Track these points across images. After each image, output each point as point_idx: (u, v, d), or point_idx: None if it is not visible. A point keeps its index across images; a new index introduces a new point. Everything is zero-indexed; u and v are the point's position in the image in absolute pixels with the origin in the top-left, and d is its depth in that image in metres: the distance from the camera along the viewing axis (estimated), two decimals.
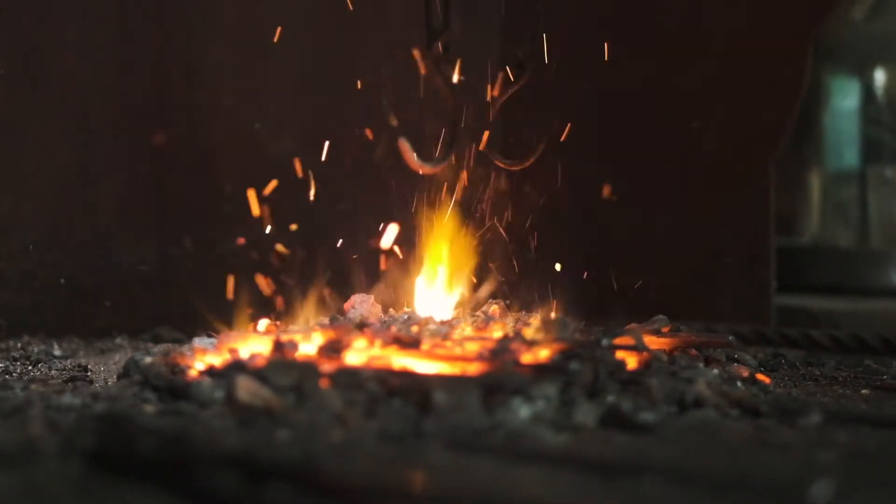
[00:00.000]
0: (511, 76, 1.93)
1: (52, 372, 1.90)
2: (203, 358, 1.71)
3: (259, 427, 1.37)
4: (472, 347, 1.64)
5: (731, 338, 1.79)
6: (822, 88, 2.88)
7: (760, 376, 1.72)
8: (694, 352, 1.83)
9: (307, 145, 2.40)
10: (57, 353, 2.17)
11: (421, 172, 1.71)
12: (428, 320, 1.80)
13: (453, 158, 1.87)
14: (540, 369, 1.53)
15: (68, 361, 2.05)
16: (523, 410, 1.43)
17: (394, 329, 1.68)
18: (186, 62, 2.51)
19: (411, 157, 1.68)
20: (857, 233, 2.82)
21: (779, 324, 2.41)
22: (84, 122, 2.43)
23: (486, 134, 1.93)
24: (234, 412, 1.43)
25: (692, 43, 2.51)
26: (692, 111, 2.47)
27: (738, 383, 1.67)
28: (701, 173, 2.49)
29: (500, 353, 1.58)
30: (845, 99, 2.83)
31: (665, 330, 1.86)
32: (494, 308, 1.90)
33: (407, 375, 1.50)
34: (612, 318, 2.05)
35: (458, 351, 1.62)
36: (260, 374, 1.47)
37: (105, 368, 2.00)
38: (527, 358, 1.59)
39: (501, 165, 1.98)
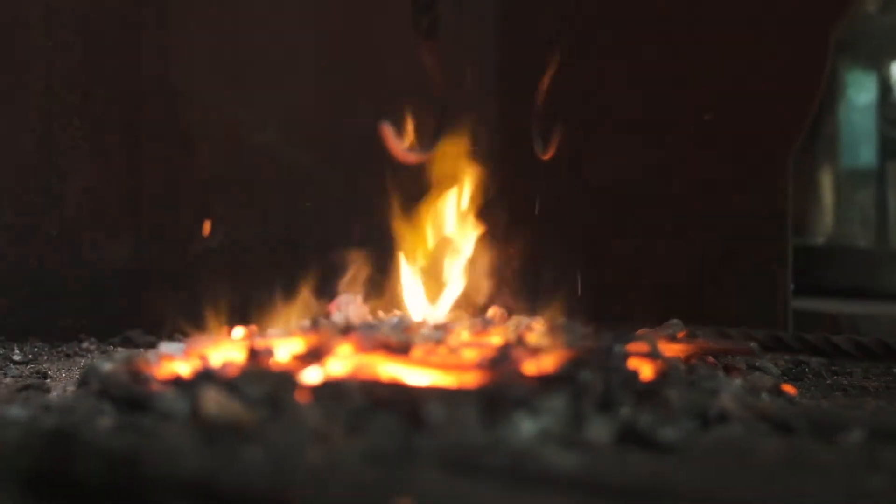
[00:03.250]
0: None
1: (7, 379, 1.75)
2: (169, 365, 1.54)
3: (225, 445, 1.20)
4: (470, 355, 1.48)
5: (753, 345, 1.63)
6: (837, 82, 2.73)
7: (786, 387, 1.56)
8: (711, 359, 1.67)
9: (294, 136, 2.26)
10: (17, 357, 2.01)
11: (406, 162, 1.54)
12: (420, 324, 1.63)
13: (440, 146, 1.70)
14: (545, 379, 1.37)
15: (28, 367, 1.90)
16: (528, 426, 1.27)
17: (382, 333, 1.52)
18: (161, 42, 2.34)
19: (395, 145, 1.51)
20: (875, 232, 2.66)
21: (796, 329, 2.25)
22: (48, 107, 2.26)
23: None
24: (200, 427, 1.26)
25: (705, 32, 2.34)
26: (704, 103, 2.30)
27: (763, 395, 1.51)
28: (713, 168, 2.32)
29: (501, 361, 1.42)
30: (861, 93, 2.67)
31: (680, 335, 1.69)
32: (493, 311, 1.74)
33: (396, 386, 1.34)
34: (619, 323, 1.90)
35: (453, 359, 1.46)
36: (230, 384, 1.31)
37: (67, 375, 1.85)
38: (530, 367, 1.42)
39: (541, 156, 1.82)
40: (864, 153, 2.68)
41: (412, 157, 1.53)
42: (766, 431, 1.35)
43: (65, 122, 2.29)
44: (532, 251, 2.11)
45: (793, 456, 1.23)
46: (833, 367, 1.84)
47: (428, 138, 1.63)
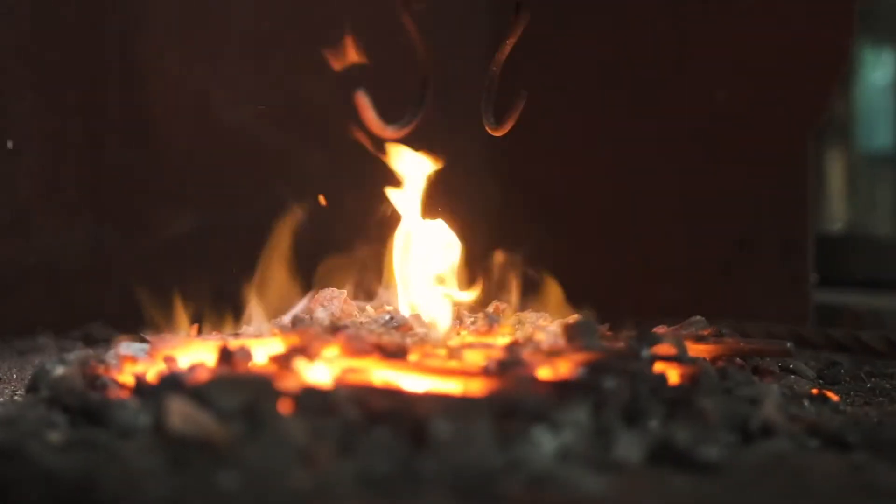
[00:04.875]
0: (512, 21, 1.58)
1: None
2: (131, 369, 1.36)
3: (195, 468, 1.02)
4: (475, 358, 1.30)
5: (789, 345, 1.46)
6: (851, 60, 2.55)
7: (829, 393, 1.39)
8: (739, 361, 1.50)
9: (268, 113, 2.07)
10: None
11: (383, 136, 1.35)
12: (415, 321, 1.45)
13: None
14: (564, 387, 1.19)
15: None
16: (547, 443, 1.09)
17: (374, 333, 1.33)
18: (123, 9, 2.15)
19: (371, 117, 1.32)
20: (894, 220, 2.49)
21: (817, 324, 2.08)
22: None
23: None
24: (165, 445, 1.07)
25: (722, 3, 2.16)
26: (718, 80, 2.12)
27: (806, 402, 1.34)
28: (728, 150, 2.15)
29: (511, 365, 1.24)
30: (877, 72, 2.50)
31: (706, 333, 1.52)
32: (495, 307, 1.56)
33: (394, 395, 1.16)
34: (628, 317, 1.74)
35: (457, 363, 1.28)
36: (200, 392, 1.12)
37: (19, 376, 1.68)
38: (545, 372, 1.25)
39: (490, 131, 1.63)
40: (882, 135, 2.51)
41: (390, 132, 1.34)
42: (816, 447, 1.18)
43: (15, 97, 2.10)
44: (530, 239, 1.94)
45: (856, 477, 1.07)
46: (869, 369, 1.67)
47: (409, 111, 1.44)
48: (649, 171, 2.23)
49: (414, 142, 1.59)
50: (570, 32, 2.31)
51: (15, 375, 1.67)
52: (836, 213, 2.59)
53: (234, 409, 1.11)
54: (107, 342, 1.92)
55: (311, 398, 1.13)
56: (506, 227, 2.12)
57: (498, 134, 1.62)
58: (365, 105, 1.33)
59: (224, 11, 2.24)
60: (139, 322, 1.80)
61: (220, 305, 1.72)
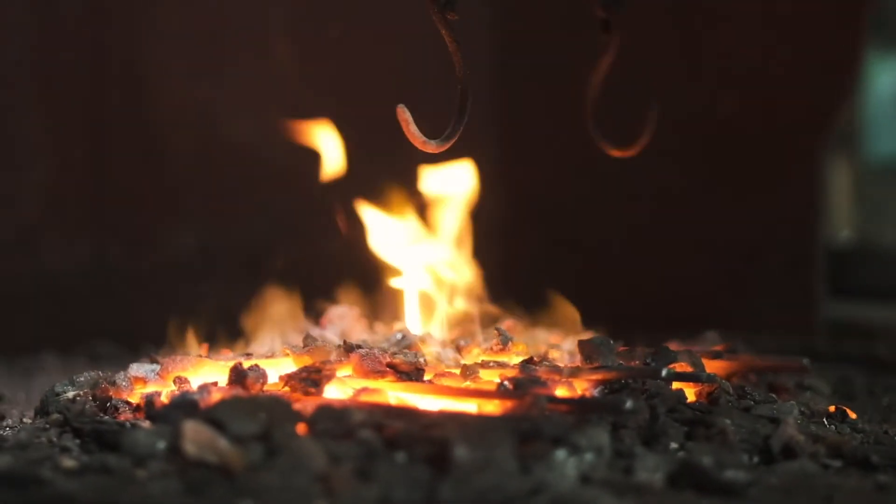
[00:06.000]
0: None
1: None
2: (142, 391, 1.34)
3: (212, 494, 1.01)
4: (490, 377, 1.28)
5: (805, 361, 1.44)
6: None
7: (848, 410, 1.37)
8: (753, 377, 1.49)
9: (272, 127, 2.05)
10: None
11: (425, 150, 1.33)
12: (426, 339, 1.43)
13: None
14: (583, 407, 1.18)
15: None
16: (570, 466, 1.07)
17: (387, 354, 1.31)
18: (127, 24, 2.13)
19: (413, 132, 1.30)
20: None
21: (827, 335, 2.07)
22: (1, 96, 2.06)
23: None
24: (180, 471, 1.06)
25: (728, 11, 2.14)
26: (726, 89, 2.11)
27: (825, 421, 1.32)
28: (737, 161, 2.13)
29: (528, 384, 1.22)
30: (883, 79, 2.48)
31: (720, 349, 1.51)
32: (507, 324, 1.54)
33: (411, 417, 1.14)
34: (644, 331, 1.72)
35: (473, 384, 1.26)
36: (214, 416, 1.10)
37: (26, 397, 1.66)
38: (563, 392, 1.23)
39: (613, 153, 1.61)
40: (888, 144, 2.49)
41: (433, 147, 1.32)
42: (840, 468, 1.16)
43: (19, 112, 2.09)
44: (538, 253, 1.92)
45: (881, 497, 1.06)
46: (884, 385, 1.65)
47: (450, 125, 1.40)
48: (658, 185, 2.21)
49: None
50: (579, 44, 2.30)
51: (23, 396, 1.65)
52: (844, 223, 2.57)
53: (251, 434, 1.09)
54: (112, 360, 1.91)
55: (327, 421, 1.12)
56: (514, 242, 2.10)
57: (628, 154, 1.59)
58: (406, 120, 1.30)
59: (229, 26, 2.22)
60: (144, 339, 1.79)
61: (227, 322, 1.70)
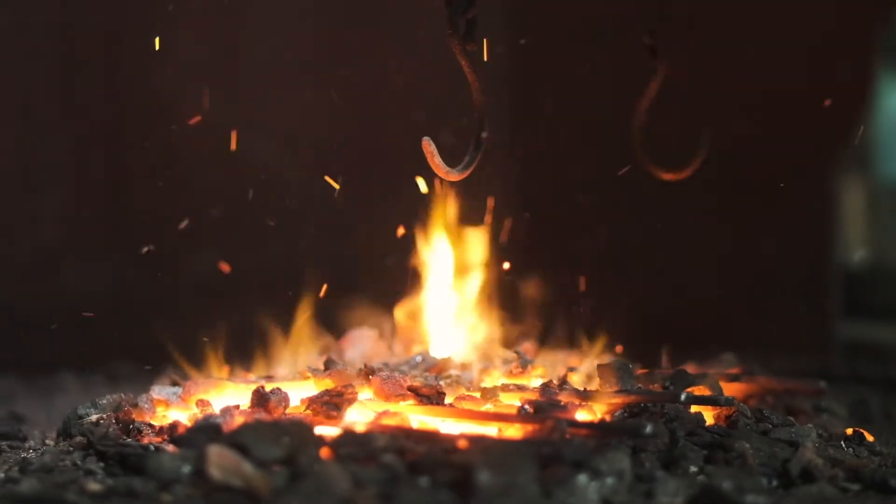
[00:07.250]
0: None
1: None
2: (164, 413, 1.35)
3: None
4: (510, 399, 1.29)
5: (822, 384, 1.45)
6: None
7: (866, 434, 1.38)
8: (770, 399, 1.49)
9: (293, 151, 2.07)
10: None
11: (448, 179, 1.35)
12: (447, 363, 1.44)
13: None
14: (603, 431, 1.19)
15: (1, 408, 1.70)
16: (591, 491, 1.08)
17: (408, 377, 1.32)
18: (146, 50, 2.14)
19: (437, 163, 1.32)
20: None
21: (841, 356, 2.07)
22: (23, 119, 2.10)
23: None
24: (206, 495, 1.07)
25: (743, 35, 2.15)
26: (742, 112, 2.12)
27: (843, 444, 1.32)
28: (751, 181, 2.14)
29: (548, 408, 1.23)
30: (894, 97, 2.49)
31: (736, 372, 1.52)
32: (526, 347, 1.55)
33: (433, 441, 1.15)
34: (660, 351, 1.72)
35: (494, 407, 1.27)
36: (238, 440, 1.11)
37: (47, 417, 1.66)
38: (582, 415, 1.24)
39: (664, 177, 1.62)
40: None
41: (455, 175, 1.34)
42: (859, 492, 1.17)
43: (40, 135, 2.12)
44: (550, 273, 1.93)
45: None
46: None
47: (468, 153, 1.42)
48: (674, 206, 2.21)
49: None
50: (585, 61, 2.31)
51: (43, 416, 1.67)
52: (858, 243, 2.57)
53: (275, 458, 1.10)
54: (130, 380, 1.92)
55: (351, 445, 1.13)
56: (529, 262, 2.11)
57: (680, 177, 1.61)
58: (431, 152, 1.33)
59: (248, 51, 2.24)
60: (163, 361, 1.80)
61: (245, 345, 1.71)
